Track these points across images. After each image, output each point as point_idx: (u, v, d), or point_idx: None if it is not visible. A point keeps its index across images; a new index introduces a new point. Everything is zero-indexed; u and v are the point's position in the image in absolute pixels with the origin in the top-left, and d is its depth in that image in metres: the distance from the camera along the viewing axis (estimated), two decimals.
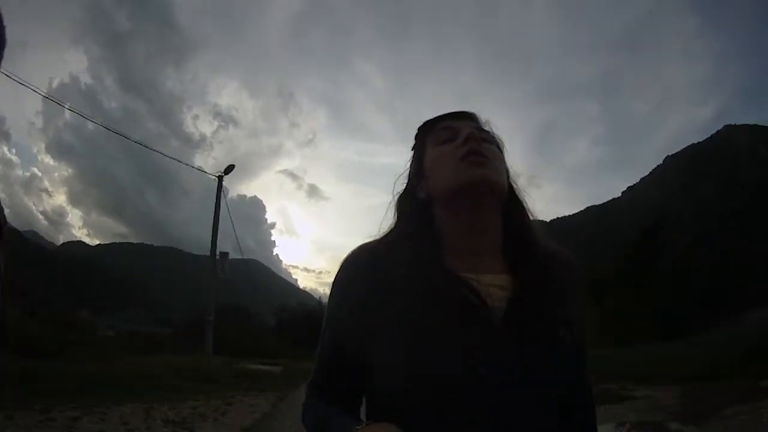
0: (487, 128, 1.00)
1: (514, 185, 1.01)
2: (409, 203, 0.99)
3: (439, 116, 1.01)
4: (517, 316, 0.83)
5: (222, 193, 18.78)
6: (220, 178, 19.04)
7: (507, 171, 0.99)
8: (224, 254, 18.86)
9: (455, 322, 0.81)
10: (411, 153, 1.05)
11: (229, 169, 19.57)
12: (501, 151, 0.99)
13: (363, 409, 0.93)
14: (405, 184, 1.04)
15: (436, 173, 0.95)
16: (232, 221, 20.05)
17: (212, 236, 18.26)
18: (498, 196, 0.92)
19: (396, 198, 1.03)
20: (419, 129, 1.04)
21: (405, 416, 0.77)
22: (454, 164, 0.91)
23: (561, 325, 0.86)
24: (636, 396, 9.84)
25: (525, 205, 1.01)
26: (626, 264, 32.90)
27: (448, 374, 0.79)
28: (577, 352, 0.88)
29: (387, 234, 0.98)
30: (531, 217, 1.00)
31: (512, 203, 0.98)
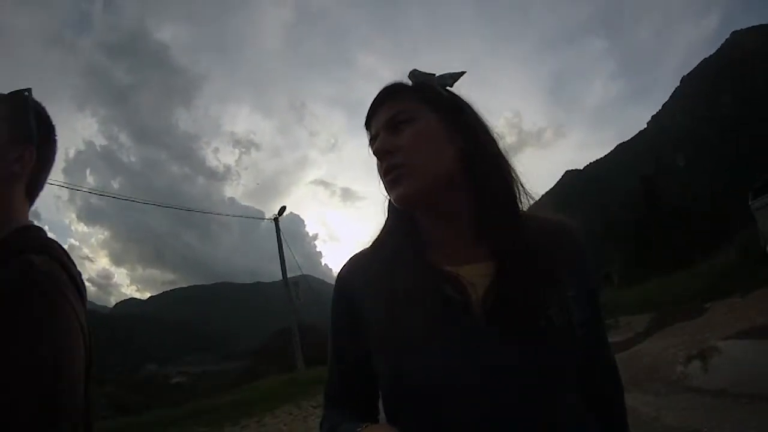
0: (405, 104, 0.87)
1: (482, 146, 0.87)
2: (390, 202, 0.92)
3: (367, 115, 0.92)
4: (499, 308, 0.78)
5: (281, 234, 21.03)
6: (276, 220, 21.14)
7: (460, 134, 0.86)
8: (295, 283, 21.40)
9: (436, 320, 0.77)
10: None
11: (282, 210, 21.59)
12: (435, 112, 0.86)
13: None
14: None
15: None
16: (292, 252, 22.66)
17: (282, 272, 20.96)
18: (428, 196, 0.83)
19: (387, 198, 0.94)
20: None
21: (403, 418, 0.78)
22: (384, 182, 0.87)
23: (551, 307, 0.78)
24: (620, 324, 13.79)
25: (497, 171, 0.87)
26: (627, 213, 36.36)
27: (431, 376, 0.76)
28: (575, 332, 0.79)
29: (377, 236, 0.94)
30: (513, 182, 0.87)
31: (481, 172, 0.85)
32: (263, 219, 22.48)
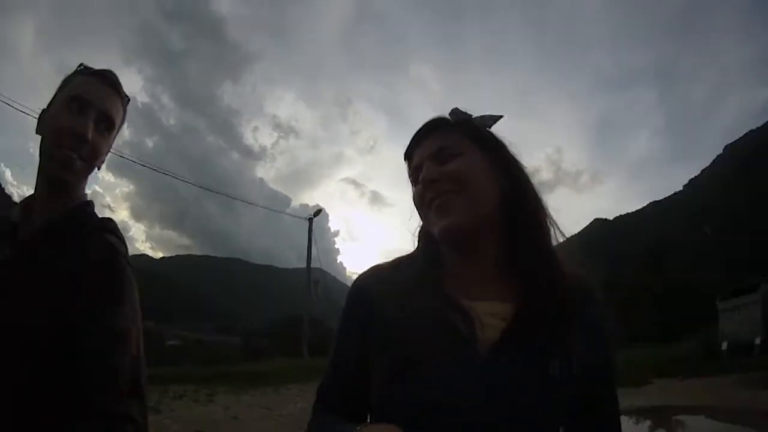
0: (450, 139, 0.90)
1: (524, 187, 0.89)
2: (421, 227, 0.96)
3: (409, 145, 0.94)
4: (506, 350, 0.79)
5: (312, 236, 22.42)
6: (311, 221, 22.43)
7: (501, 173, 0.88)
8: (316, 281, 23.11)
9: (440, 346, 0.79)
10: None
11: (318, 212, 22.94)
12: (479, 150, 0.89)
13: None
14: None
15: (420, 215, 0.93)
16: (317, 250, 24.18)
17: (307, 269, 22.54)
18: (472, 231, 0.85)
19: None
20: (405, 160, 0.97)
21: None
22: (423, 213, 0.90)
23: (558, 360, 0.79)
24: None
25: (528, 211, 0.88)
26: (637, 280, 39.49)
27: (426, 404, 0.77)
28: (574, 389, 0.81)
29: (402, 256, 0.96)
30: (546, 229, 0.89)
31: (521, 214, 0.87)
32: (300, 218, 23.67)
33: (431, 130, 0.92)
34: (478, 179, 0.86)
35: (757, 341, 14.48)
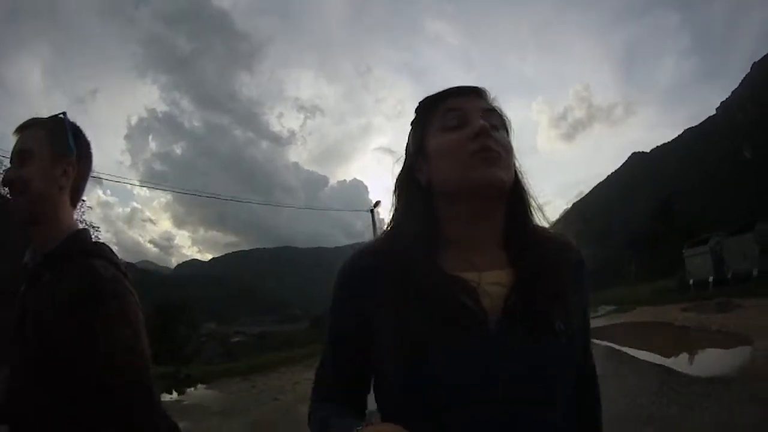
0: (495, 106, 0.92)
1: (517, 166, 0.91)
2: (409, 188, 0.93)
3: (444, 92, 0.92)
4: (512, 318, 0.79)
5: (375, 224, 23.74)
6: (372, 212, 24.54)
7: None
8: None
9: (450, 328, 0.77)
10: (410, 128, 0.97)
11: (377, 203, 24.93)
12: (508, 133, 0.92)
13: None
14: (403, 161, 0.97)
15: (442, 163, 0.87)
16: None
17: None
18: (505, 193, 0.87)
19: (396, 180, 0.97)
20: (421, 104, 0.95)
21: (409, 419, 0.72)
22: (464, 159, 0.84)
23: (559, 318, 0.81)
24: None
25: (527, 190, 0.93)
26: (651, 226, 46.62)
27: (445, 383, 0.76)
28: (575, 343, 0.84)
29: (388, 228, 0.93)
30: (533, 202, 0.93)
31: (515, 189, 0.90)
32: (362, 210, 26.48)
33: (480, 93, 0.93)
34: (513, 157, 0.89)
35: (710, 279, 20.94)
